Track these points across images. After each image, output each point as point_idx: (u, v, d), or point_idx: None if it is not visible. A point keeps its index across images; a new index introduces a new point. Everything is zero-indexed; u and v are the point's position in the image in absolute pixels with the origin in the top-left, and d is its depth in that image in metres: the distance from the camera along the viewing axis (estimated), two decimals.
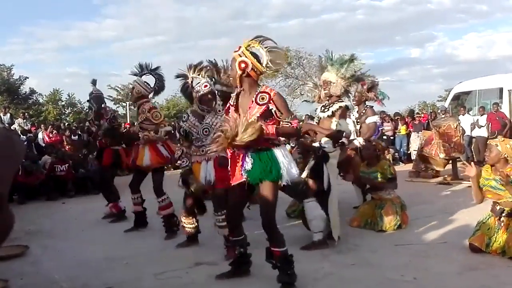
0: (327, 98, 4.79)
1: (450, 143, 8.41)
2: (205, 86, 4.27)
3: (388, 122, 13.81)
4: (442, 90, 30.53)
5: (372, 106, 6.07)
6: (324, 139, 4.42)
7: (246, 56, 3.25)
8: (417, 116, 13.98)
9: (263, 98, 3.23)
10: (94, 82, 6.31)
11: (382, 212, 4.98)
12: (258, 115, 3.20)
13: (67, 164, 9.19)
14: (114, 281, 3.66)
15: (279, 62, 3.36)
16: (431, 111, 18.40)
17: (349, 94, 5.10)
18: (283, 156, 3.25)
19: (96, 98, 6.26)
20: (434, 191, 7.67)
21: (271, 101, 3.21)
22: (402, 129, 13.30)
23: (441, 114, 11.91)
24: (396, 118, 14.48)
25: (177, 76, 4.53)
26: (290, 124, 3.16)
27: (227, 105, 3.55)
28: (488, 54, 45.92)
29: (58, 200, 8.31)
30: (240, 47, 3.30)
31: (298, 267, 3.35)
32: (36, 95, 27.34)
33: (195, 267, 3.96)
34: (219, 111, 4.30)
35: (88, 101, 6.46)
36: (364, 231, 4.93)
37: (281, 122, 3.20)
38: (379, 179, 5.15)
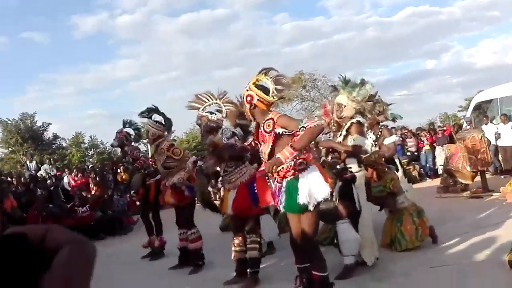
0: (339, 120, 4.79)
1: (477, 156, 8.23)
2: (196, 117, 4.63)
3: (411, 137, 13.65)
4: (462, 100, 30.15)
5: (387, 126, 6.05)
6: (349, 160, 4.41)
7: (251, 90, 3.41)
8: (439, 129, 13.78)
9: (268, 125, 3.34)
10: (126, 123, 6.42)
11: (402, 229, 4.88)
12: (271, 145, 3.29)
13: (88, 205, 9.26)
14: None
15: (282, 88, 3.45)
16: (454, 123, 18.15)
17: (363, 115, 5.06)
18: (308, 181, 3.24)
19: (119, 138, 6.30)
20: (465, 205, 7.48)
21: (276, 126, 3.30)
22: (427, 145, 13.12)
23: (466, 125, 11.68)
24: (418, 133, 14.29)
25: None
26: (303, 129, 3.17)
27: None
28: (505, 59, 45.32)
29: None
30: (248, 83, 3.47)
31: None
32: (59, 139, 28.07)
33: None
34: (224, 131, 4.55)
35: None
36: (395, 254, 4.82)
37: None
38: (381, 194, 5.03)
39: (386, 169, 5.17)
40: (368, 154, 5.22)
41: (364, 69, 39.69)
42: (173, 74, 45.63)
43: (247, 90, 3.44)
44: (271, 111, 3.46)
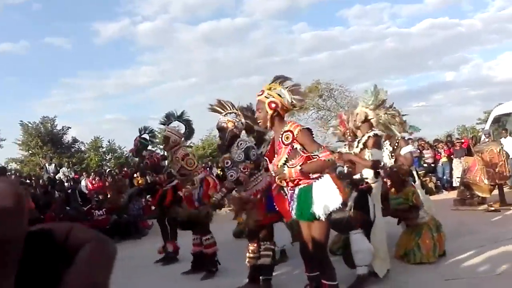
0: (356, 129, 4.79)
1: (495, 169, 8.13)
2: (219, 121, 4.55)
3: (428, 149, 13.52)
4: (481, 113, 29.67)
5: (404, 137, 6.01)
6: (365, 171, 4.41)
7: (273, 97, 3.36)
8: (457, 142, 13.63)
9: (287, 138, 3.31)
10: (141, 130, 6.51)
11: (419, 242, 4.85)
12: (286, 158, 3.29)
13: (104, 209, 9.39)
14: None
15: (301, 98, 3.46)
16: (472, 135, 17.91)
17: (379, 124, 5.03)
18: (321, 190, 3.26)
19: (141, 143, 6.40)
20: (482, 219, 7.37)
21: (294, 140, 3.27)
22: (444, 157, 13.00)
23: (485, 138, 11.52)
24: (435, 144, 14.15)
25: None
26: (317, 158, 3.18)
27: (267, 148, 3.69)
28: None
29: None
30: (263, 91, 3.43)
31: None
32: (78, 143, 28.50)
33: None
34: (239, 144, 4.43)
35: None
36: (409, 266, 4.78)
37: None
38: (401, 206, 5.02)
39: (406, 182, 5.16)
40: (392, 165, 5.23)
41: (382, 80, 39.42)
42: (192, 81, 45.96)
43: (267, 97, 3.37)
44: (286, 121, 3.47)
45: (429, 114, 40.02)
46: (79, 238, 0.35)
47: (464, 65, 50.18)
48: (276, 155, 3.41)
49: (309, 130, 3.37)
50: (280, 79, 3.45)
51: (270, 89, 3.42)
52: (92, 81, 42.46)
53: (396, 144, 5.84)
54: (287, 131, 3.32)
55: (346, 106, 24.99)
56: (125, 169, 14.77)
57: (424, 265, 4.74)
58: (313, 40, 43.91)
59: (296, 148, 3.27)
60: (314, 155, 3.21)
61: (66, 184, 12.36)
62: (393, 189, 5.24)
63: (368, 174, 4.41)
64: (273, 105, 3.34)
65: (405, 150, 5.76)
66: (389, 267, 4.46)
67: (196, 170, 5.45)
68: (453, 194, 10.13)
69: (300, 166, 3.21)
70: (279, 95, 3.38)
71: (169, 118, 5.69)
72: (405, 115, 5.92)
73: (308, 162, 3.22)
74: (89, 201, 10.57)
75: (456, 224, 6.47)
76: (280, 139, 3.35)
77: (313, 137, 3.40)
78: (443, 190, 12.34)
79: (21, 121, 26.31)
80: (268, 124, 3.42)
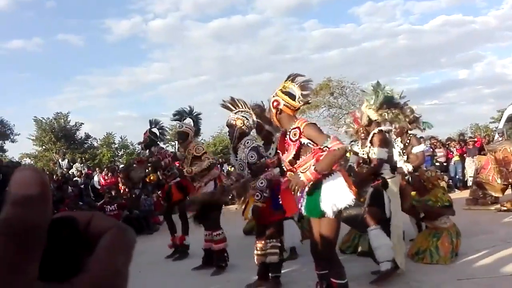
0: (367, 127, 4.77)
1: (508, 168, 8.03)
2: (228, 118, 4.53)
3: (440, 148, 13.39)
4: (494, 111, 29.22)
5: (416, 134, 5.97)
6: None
7: (277, 96, 3.44)
8: (470, 140, 13.48)
9: (295, 134, 3.34)
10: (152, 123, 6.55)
11: (438, 244, 4.82)
12: (293, 155, 3.30)
13: (116, 204, 9.47)
14: None
15: (308, 93, 3.45)
16: (485, 134, 17.69)
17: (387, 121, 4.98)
18: (330, 186, 3.24)
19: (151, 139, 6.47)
20: (494, 219, 7.30)
21: (302, 135, 3.29)
22: (456, 156, 12.87)
23: (498, 136, 11.37)
24: (448, 143, 14.01)
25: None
26: (327, 149, 3.15)
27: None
28: None
29: None
30: (276, 90, 3.49)
31: None
32: (91, 139, 28.73)
33: None
34: (246, 143, 4.38)
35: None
36: (422, 265, 4.75)
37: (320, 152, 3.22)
38: (435, 207, 5.02)
39: (433, 186, 5.15)
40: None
41: (394, 77, 39.05)
42: (203, 78, 46.06)
43: (273, 96, 3.47)
44: (297, 118, 3.49)
45: (442, 112, 39.61)
46: (100, 225, 0.36)
47: (478, 62, 49.59)
48: (286, 152, 3.43)
49: (314, 124, 3.39)
50: (292, 76, 3.48)
51: (283, 88, 3.47)
52: (104, 78, 42.85)
53: (408, 141, 5.80)
54: (295, 128, 3.36)
55: (357, 104, 24.83)
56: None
57: (437, 264, 4.72)
58: (324, 37, 43.72)
59: (304, 143, 3.28)
60: (324, 147, 3.18)
61: (79, 179, 12.49)
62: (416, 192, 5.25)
63: (384, 169, 4.39)
64: (274, 104, 3.44)
65: (418, 149, 5.72)
66: (403, 266, 4.44)
67: (205, 156, 5.51)
68: (465, 194, 10.03)
69: (313, 166, 3.19)
70: (289, 93, 3.43)
71: (182, 115, 5.72)
72: (419, 116, 5.88)
73: (320, 158, 3.21)
74: (101, 196, 10.66)
75: (469, 224, 6.40)
76: (288, 136, 3.39)
77: (320, 129, 3.39)
78: (456, 189, 12.23)
79: (35, 116, 26.62)
80: (276, 122, 3.52)
